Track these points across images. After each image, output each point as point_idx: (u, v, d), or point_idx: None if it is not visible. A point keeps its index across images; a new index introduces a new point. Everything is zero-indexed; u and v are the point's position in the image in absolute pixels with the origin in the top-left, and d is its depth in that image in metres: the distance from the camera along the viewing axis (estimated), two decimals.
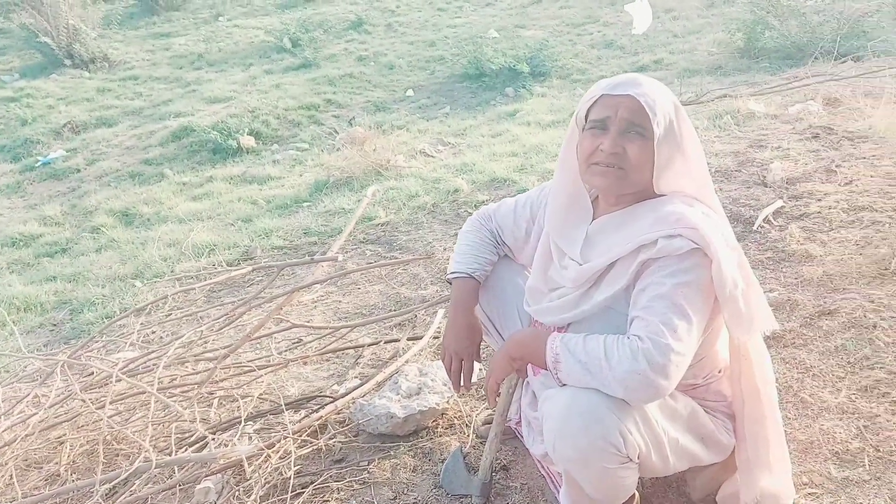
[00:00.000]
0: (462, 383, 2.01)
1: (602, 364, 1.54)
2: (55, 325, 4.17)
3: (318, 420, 2.37)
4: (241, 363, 2.73)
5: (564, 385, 1.63)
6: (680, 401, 1.75)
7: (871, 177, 4.09)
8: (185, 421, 2.34)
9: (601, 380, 1.54)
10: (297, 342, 3.25)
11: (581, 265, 1.75)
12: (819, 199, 3.87)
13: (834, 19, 8.58)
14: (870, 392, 2.35)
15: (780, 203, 3.89)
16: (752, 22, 9.11)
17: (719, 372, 1.82)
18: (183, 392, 2.48)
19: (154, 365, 2.40)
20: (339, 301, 3.73)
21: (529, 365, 1.83)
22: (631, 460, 1.63)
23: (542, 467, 2.14)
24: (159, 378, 2.33)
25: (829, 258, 3.26)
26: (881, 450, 2.10)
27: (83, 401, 2.27)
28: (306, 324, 3.07)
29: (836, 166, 4.30)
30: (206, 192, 6.56)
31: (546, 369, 1.65)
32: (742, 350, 1.74)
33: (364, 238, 4.56)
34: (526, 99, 8.52)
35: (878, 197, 3.79)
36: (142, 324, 3.15)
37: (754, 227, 3.66)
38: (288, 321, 2.84)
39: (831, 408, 2.31)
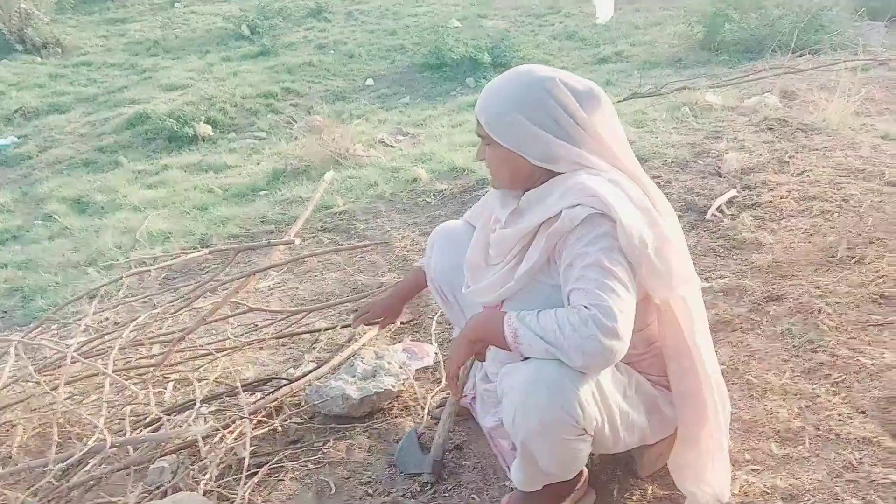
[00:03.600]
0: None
1: (557, 335, 1.59)
2: (5, 311, 4.10)
3: (273, 402, 2.38)
4: (196, 346, 2.71)
5: (526, 359, 1.67)
6: (626, 374, 1.81)
7: (823, 168, 4.19)
8: (140, 403, 2.33)
9: (560, 348, 1.59)
10: (253, 327, 3.25)
11: (503, 229, 1.86)
12: (771, 189, 3.96)
13: (793, 13, 8.71)
14: (812, 374, 2.43)
15: (733, 192, 3.97)
16: (713, 14, 9.22)
17: (659, 344, 1.89)
18: (138, 374, 2.46)
19: (109, 347, 2.38)
20: (296, 288, 3.72)
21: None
22: (587, 433, 1.69)
23: (493, 443, 2.18)
24: (114, 360, 2.31)
25: (778, 246, 3.34)
26: (821, 428, 2.17)
27: (37, 382, 2.24)
28: (263, 308, 3.07)
29: (789, 157, 4.40)
30: (162, 181, 6.47)
31: (507, 349, 1.69)
32: (664, 306, 1.81)
33: (322, 226, 4.54)
34: None
35: (828, 187, 3.89)
36: (96, 308, 3.11)
37: (707, 216, 3.73)
38: (245, 305, 2.83)
39: (775, 389, 2.38)
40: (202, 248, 4.70)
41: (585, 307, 1.58)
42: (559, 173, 1.78)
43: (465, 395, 2.31)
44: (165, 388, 2.51)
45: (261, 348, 2.96)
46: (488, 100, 1.79)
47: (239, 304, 2.89)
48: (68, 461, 1.98)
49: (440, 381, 2.64)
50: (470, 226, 2.24)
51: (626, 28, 10.60)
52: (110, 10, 13.14)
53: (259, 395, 2.51)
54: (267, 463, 2.23)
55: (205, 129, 7.87)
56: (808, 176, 4.10)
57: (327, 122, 7.04)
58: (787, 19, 8.66)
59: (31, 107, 8.80)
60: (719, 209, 3.82)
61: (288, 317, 3.02)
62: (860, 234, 3.32)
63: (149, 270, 2.74)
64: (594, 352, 1.56)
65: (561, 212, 1.68)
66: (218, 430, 2.14)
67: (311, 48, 10.79)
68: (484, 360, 1.87)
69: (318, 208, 4.78)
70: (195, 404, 2.26)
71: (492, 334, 1.73)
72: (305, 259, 3.80)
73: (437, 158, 5.50)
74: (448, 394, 2.36)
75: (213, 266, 4.09)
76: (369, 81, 9.45)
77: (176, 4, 13.41)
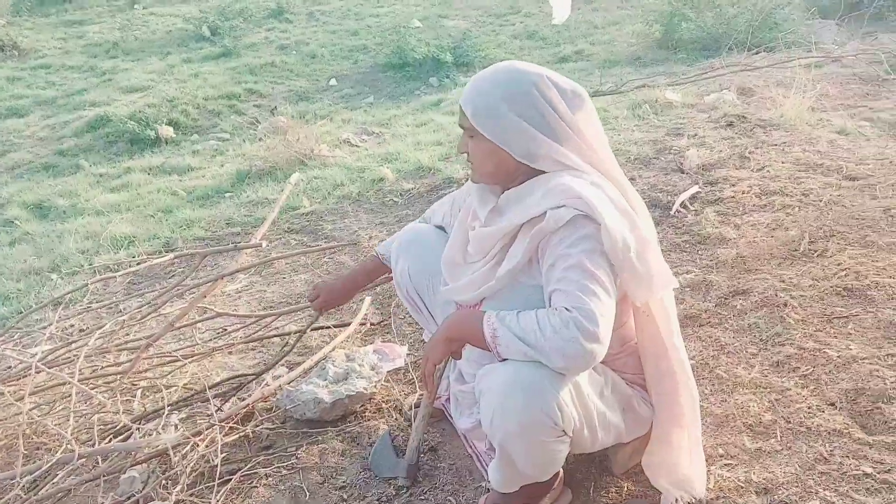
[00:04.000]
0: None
1: (538, 336, 1.58)
2: None
3: (244, 408, 2.34)
4: (164, 353, 2.67)
5: (504, 360, 1.66)
6: (602, 374, 1.81)
7: (782, 163, 4.26)
8: (109, 412, 2.28)
9: (540, 350, 1.58)
10: (222, 332, 3.21)
11: (483, 227, 1.85)
12: (733, 185, 4.02)
13: (748, 11, 8.89)
14: (781, 367, 2.47)
15: (696, 189, 4.02)
16: (670, 14, 9.38)
17: (634, 343, 1.90)
18: (105, 383, 2.41)
19: (75, 356, 2.33)
20: (264, 291, 3.69)
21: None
22: (566, 434, 1.68)
23: (469, 445, 2.18)
24: (80, 369, 2.26)
25: (742, 241, 3.39)
26: (792, 421, 2.20)
27: (1, 393, 2.18)
28: (231, 312, 3.03)
29: (749, 153, 4.47)
30: (124, 184, 6.37)
31: (484, 348, 1.68)
32: (644, 309, 1.82)
33: (289, 227, 4.51)
34: (450, 89, 8.56)
35: (788, 182, 3.96)
36: (60, 315, 3.05)
37: (671, 212, 3.78)
38: (213, 310, 2.79)
39: (745, 383, 2.40)
40: (167, 251, 4.64)
41: (567, 309, 1.57)
42: (541, 172, 1.77)
43: (439, 397, 2.30)
44: (134, 396, 2.46)
45: (230, 353, 2.92)
46: (475, 92, 1.78)
47: (207, 308, 2.85)
48: (36, 473, 1.94)
49: (413, 383, 2.63)
50: (435, 228, 2.24)
51: (585, 27, 10.70)
52: (68, 12, 12.93)
53: (230, 401, 2.48)
54: (240, 470, 2.20)
55: (167, 131, 7.77)
56: (768, 171, 4.17)
57: (291, 123, 6.99)
58: (742, 18, 8.83)
59: None
60: (683, 205, 3.86)
61: (257, 321, 2.99)
62: (821, 228, 3.38)
63: (114, 277, 2.68)
64: (575, 354, 1.55)
65: (545, 212, 1.68)
66: (188, 438, 2.11)
67: (272, 49, 10.71)
68: (459, 359, 1.85)
69: (285, 209, 4.75)
70: (164, 412, 2.22)
71: (469, 333, 1.72)
72: (273, 261, 3.77)
73: (402, 158, 5.50)
74: (422, 395, 2.35)
75: (180, 270, 4.04)
76: (332, 82, 9.41)
77: (135, 6, 13.23)
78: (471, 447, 2.17)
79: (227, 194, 5.64)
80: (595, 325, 1.55)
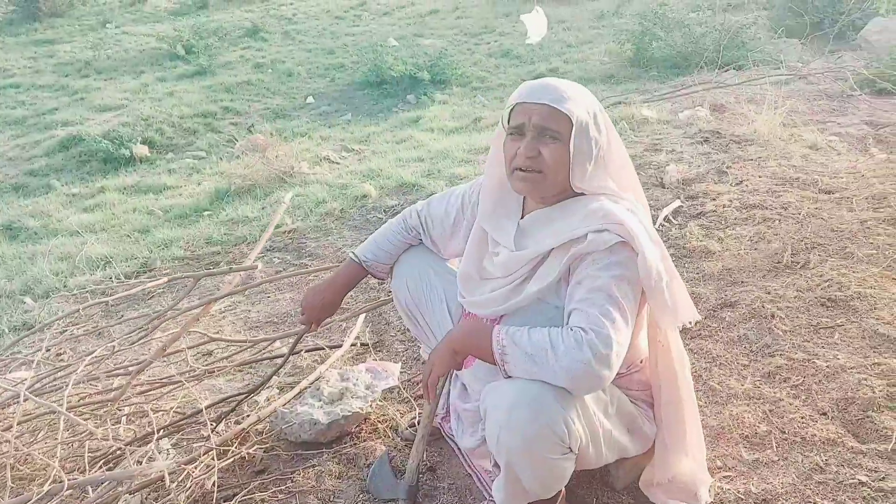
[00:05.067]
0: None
1: (548, 354, 1.57)
2: None
3: (241, 431, 2.30)
4: (154, 378, 2.62)
5: (510, 377, 1.65)
6: (608, 392, 1.81)
7: (760, 177, 4.32)
8: (98, 439, 2.23)
9: (547, 370, 1.57)
10: (207, 354, 3.15)
11: (514, 251, 1.82)
12: (713, 199, 4.06)
13: (715, 31, 9.08)
14: (772, 378, 2.49)
15: (678, 203, 4.06)
16: (640, 33, 9.53)
17: (641, 362, 1.91)
18: (93, 411, 2.35)
19: (63, 383, 2.28)
20: (249, 310, 3.65)
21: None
22: (572, 451, 1.68)
23: (469, 464, 2.17)
24: (68, 396, 2.21)
25: (726, 253, 3.42)
26: (786, 431, 2.23)
27: None
28: (224, 338, 2.98)
29: (727, 168, 4.53)
30: (98, 203, 6.31)
31: (491, 362, 1.67)
32: (660, 337, 1.83)
33: (271, 246, 4.47)
34: (427, 106, 8.60)
35: (766, 195, 4.02)
36: (41, 340, 2.98)
37: (655, 226, 3.80)
38: (205, 335, 2.74)
39: (738, 394, 2.42)
40: (145, 273, 4.58)
41: (583, 329, 1.58)
42: (575, 193, 1.78)
43: (437, 414, 2.28)
44: (119, 422, 2.40)
45: (218, 376, 2.88)
46: (564, 99, 1.73)
47: (196, 332, 2.80)
48: None
49: (408, 402, 2.60)
50: (425, 248, 2.20)
51: (558, 46, 10.82)
52: (38, 32, 12.80)
53: (222, 423, 2.43)
54: (236, 495, 2.15)
55: (141, 150, 7.71)
56: (746, 185, 4.22)
57: (270, 141, 6.97)
58: (710, 37, 9.01)
59: None
60: (666, 219, 3.90)
61: (251, 346, 2.94)
62: (802, 241, 3.42)
63: (107, 301, 2.62)
64: (583, 376, 1.56)
65: (586, 235, 1.68)
66: (183, 466, 2.06)
67: (248, 67, 10.69)
68: (460, 370, 1.84)
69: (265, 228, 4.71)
70: (155, 436, 2.17)
71: (476, 347, 1.71)
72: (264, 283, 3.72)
73: (384, 174, 5.50)
74: (420, 414, 2.33)
75: (160, 292, 3.99)
76: (310, 100, 9.40)
77: (107, 25, 13.12)
78: (470, 466, 2.15)
79: (206, 213, 5.60)
80: (609, 350, 1.56)
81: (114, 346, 2.54)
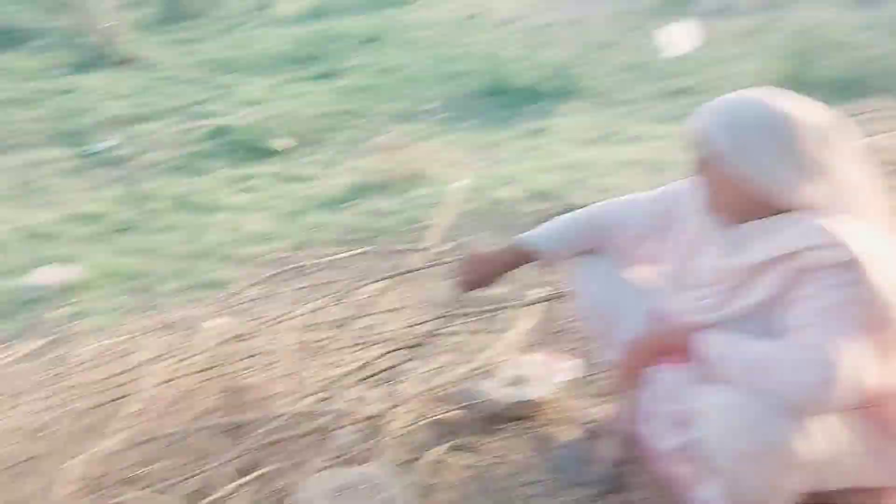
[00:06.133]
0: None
1: (768, 369, 1.54)
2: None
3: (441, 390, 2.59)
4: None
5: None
6: (851, 415, 1.69)
7: None
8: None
9: (765, 385, 1.54)
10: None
11: (726, 259, 1.79)
12: None
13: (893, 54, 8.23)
14: None
15: None
16: (801, 52, 8.77)
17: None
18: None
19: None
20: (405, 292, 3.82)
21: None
22: (795, 462, 1.58)
23: (665, 468, 2.05)
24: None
25: None
26: None
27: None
28: None
29: None
30: (251, 187, 6.97)
31: (698, 367, 1.67)
32: None
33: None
34: (552, 117, 8.85)
35: None
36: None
37: None
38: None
39: None
40: (298, 251, 5.10)
41: (820, 349, 1.50)
42: (782, 209, 1.71)
43: (625, 418, 2.21)
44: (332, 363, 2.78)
45: None
46: (721, 123, 1.70)
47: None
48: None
49: (593, 396, 2.62)
50: (606, 255, 2.18)
51: (695, 63, 10.34)
52: (179, 31, 13.71)
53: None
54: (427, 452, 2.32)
55: (282, 143, 8.34)
56: None
57: (398, 142, 7.41)
58: (888, 60, 8.12)
59: (122, 116, 9.39)
60: None
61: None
62: None
63: (303, 266, 3.08)
64: (810, 399, 1.50)
65: (804, 252, 1.61)
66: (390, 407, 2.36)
67: (372, 72, 11.21)
68: (658, 367, 1.82)
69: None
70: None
71: (684, 348, 1.69)
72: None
73: (518, 179, 5.84)
74: (607, 407, 2.37)
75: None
76: (434, 105, 9.81)
77: (241, 27, 13.96)
78: (662, 470, 2.06)
79: (345, 204, 6.10)
80: (831, 375, 1.47)
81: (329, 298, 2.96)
